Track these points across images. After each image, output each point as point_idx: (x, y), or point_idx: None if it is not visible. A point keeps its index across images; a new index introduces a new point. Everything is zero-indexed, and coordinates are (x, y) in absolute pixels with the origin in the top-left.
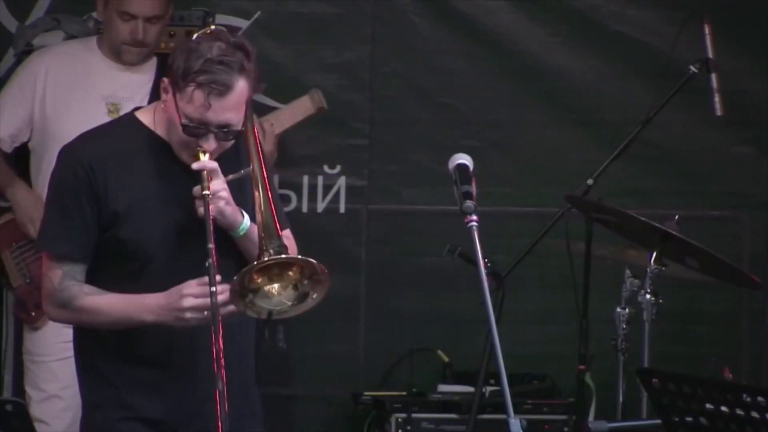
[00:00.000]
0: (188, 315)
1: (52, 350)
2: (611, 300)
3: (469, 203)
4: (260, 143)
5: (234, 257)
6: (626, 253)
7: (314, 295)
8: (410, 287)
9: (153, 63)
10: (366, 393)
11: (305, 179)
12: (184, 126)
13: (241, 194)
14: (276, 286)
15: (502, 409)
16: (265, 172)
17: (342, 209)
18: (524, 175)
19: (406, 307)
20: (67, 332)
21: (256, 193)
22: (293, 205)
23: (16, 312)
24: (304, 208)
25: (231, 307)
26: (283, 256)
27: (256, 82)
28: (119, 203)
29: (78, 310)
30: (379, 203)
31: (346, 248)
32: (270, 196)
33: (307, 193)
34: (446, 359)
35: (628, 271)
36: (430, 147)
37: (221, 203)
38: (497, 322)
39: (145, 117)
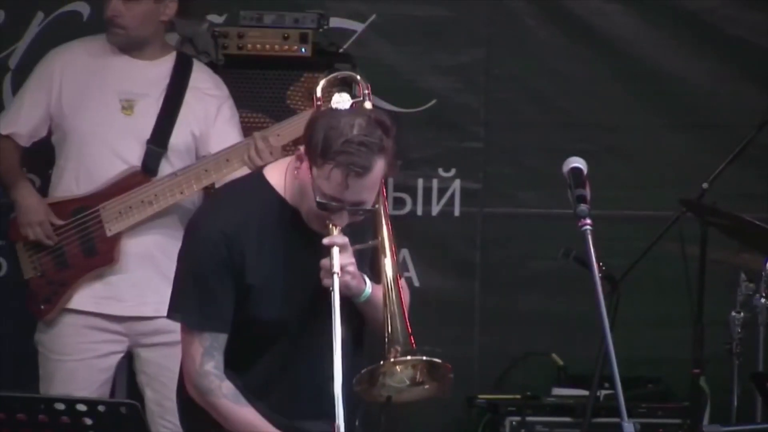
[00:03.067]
0: None
1: (72, 350)
2: (726, 304)
3: (583, 207)
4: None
5: (351, 325)
6: (741, 257)
7: (426, 386)
8: (525, 290)
9: (171, 58)
10: (480, 396)
11: (420, 182)
12: (318, 203)
13: (361, 256)
14: (400, 366)
15: (617, 412)
16: (393, 245)
17: (456, 212)
18: (638, 178)
19: (520, 311)
20: (87, 333)
21: (384, 267)
22: (408, 208)
23: (28, 305)
24: (419, 212)
25: None
26: (409, 357)
27: (394, 159)
28: (252, 276)
29: (209, 405)
30: (494, 206)
31: (461, 251)
32: (397, 278)
33: (422, 196)
34: (561, 363)
35: (743, 275)
36: (544, 150)
37: (348, 278)
38: (611, 325)
39: (274, 178)
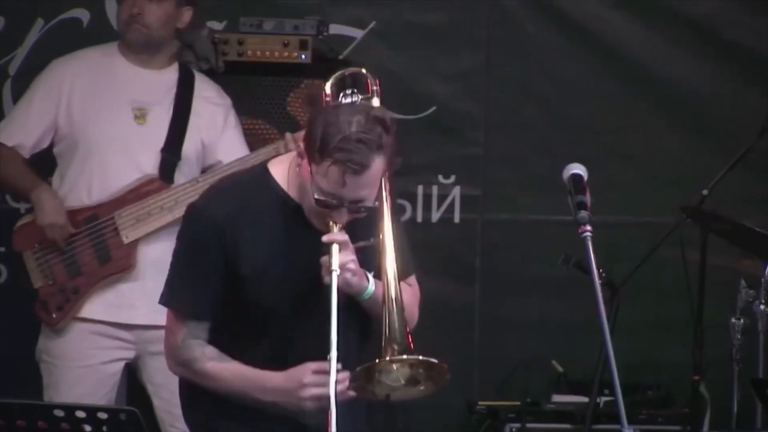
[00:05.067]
0: (307, 404)
1: (79, 356)
2: (726, 309)
3: (583, 213)
4: (393, 208)
5: (356, 320)
6: (741, 263)
7: (422, 387)
8: (525, 296)
9: (175, 68)
10: (480, 402)
11: (420, 189)
12: (317, 200)
13: (366, 254)
14: (396, 365)
15: (617, 419)
16: (392, 243)
17: (456, 219)
18: (639, 183)
19: (520, 316)
20: (95, 339)
21: (384, 265)
22: (408, 215)
23: (38, 312)
24: (419, 218)
25: (350, 393)
26: (405, 357)
27: (393, 156)
28: (247, 266)
29: (197, 373)
30: (494, 213)
31: (461, 258)
32: (396, 276)
33: (422, 202)
34: (561, 369)
35: (743, 281)
36: (545, 155)
37: (348, 275)
38: (612, 331)
39: (278, 172)
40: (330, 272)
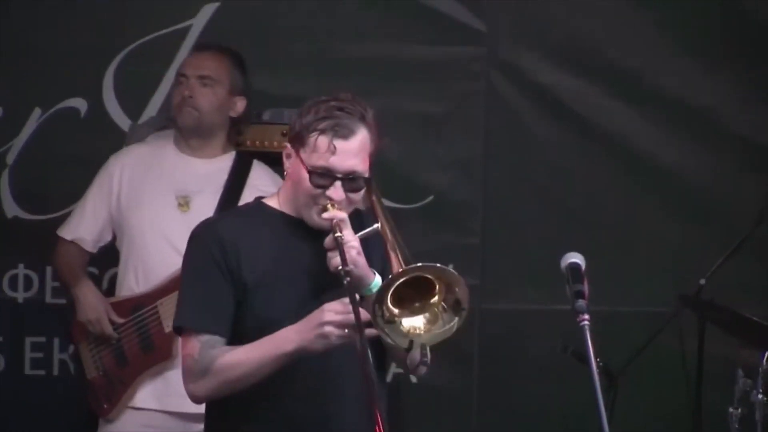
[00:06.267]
0: (328, 329)
1: None
2: (724, 398)
3: (581, 302)
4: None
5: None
6: (739, 352)
7: (444, 321)
8: (523, 385)
9: (230, 156)
10: None
11: None
12: (311, 173)
13: (367, 257)
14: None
15: None
16: (395, 233)
17: None
18: (637, 272)
19: (519, 405)
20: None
21: (391, 254)
22: None
23: (90, 402)
24: None
25: (372, 330)
26: (420, 264)
27: (378, 136)
28: (250, 277)
29: (218, 371)
30: (492, 302)
31: (459, 347)
32: (404, 251)
33: None
34: None
35: (740, 371)
36: (543, 245)
37: (353, 252)
38: (609, 420)
39: (270, 201)
40: (335, 251)
